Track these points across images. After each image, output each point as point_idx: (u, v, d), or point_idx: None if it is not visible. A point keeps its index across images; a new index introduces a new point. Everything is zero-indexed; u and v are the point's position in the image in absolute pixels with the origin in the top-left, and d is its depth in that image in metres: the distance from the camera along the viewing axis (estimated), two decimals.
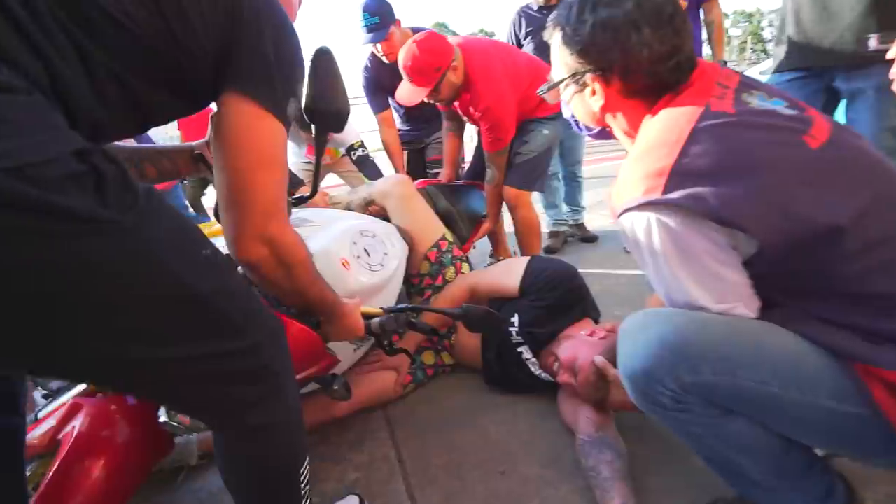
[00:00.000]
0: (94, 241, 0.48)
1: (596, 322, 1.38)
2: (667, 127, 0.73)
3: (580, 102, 0.86)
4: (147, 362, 0.56)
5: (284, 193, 0.70)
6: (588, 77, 0.80)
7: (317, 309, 0.87)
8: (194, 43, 0.60)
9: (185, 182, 3.57)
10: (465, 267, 1.66)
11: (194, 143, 0.93)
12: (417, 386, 1.49)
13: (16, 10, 0.47)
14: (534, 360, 1.33)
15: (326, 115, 0.83)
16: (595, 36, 0.77)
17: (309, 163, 2.61)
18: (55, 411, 1.03)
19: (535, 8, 2.40)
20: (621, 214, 0.73)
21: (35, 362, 0.54)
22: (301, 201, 0.96)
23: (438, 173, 2.25)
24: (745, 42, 38.39)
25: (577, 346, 1.22)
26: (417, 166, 2.55)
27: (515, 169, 1.95)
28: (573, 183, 2.73)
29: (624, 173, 0.74)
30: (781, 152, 0.68)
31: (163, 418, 0.99)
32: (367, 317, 1.01)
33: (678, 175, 0.67)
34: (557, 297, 1.33)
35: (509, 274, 1.44)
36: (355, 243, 1.22)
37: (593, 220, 2.91)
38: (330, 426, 1.34)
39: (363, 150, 2.27)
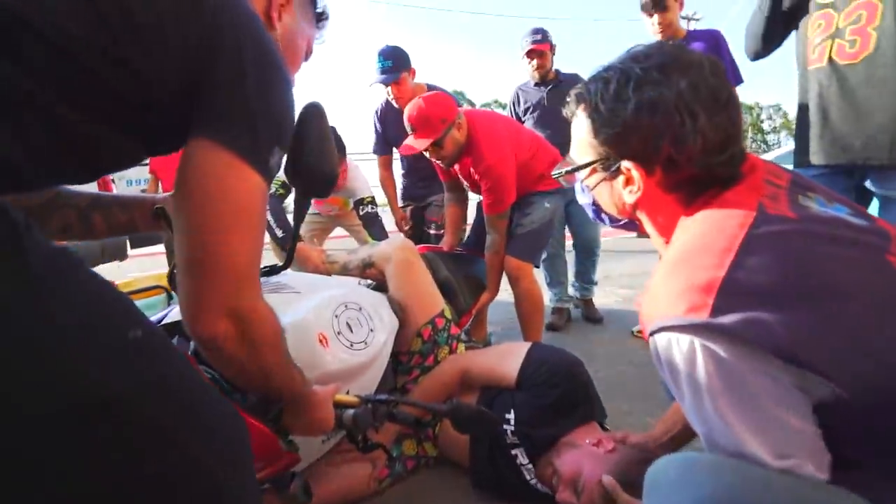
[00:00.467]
0: None
1: (602, 426, 1.21)
2: (712, 230, 0.61)
3: (608, 191, 0.74)
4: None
5: (258, 259, 0.58)
6: (624, 165, 0.69)
7: (281, 396, 0.73)
8: (152, 70, 0.49)
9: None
10: (461, 347, 1.51)
11: (158, 195, 0.82)
12: (395, 481, 1.30)
13: None
14: (530, 466, 1.15)
15: (310, 177, 0.73)
16: (640, 119, 0.65)
17: (317, 214, 2.55)
18: None
19: (532, 84, 2.48)
20: (655, 333, 0.60)
21: None
22: (273, 272, 0.84)
23: (440, 237, 2.17)
24: (745, 132, 40.16)
25: (581, 458, 1.05)
26: (417, 225, 2.50)
27: (517, 239, 1.90)
28: (589, 259, 2.62)
29: (659, 282, 0.62)
30: (862, 275, 0.56)
31: None
32: (340, 406, 0.87)
33: (730, 293, 0.54)
34: (560, 394, 1.18)
35: (507, 360, 1.29)
36: (337, 316, 1.09)
37: (599, 298, 2.78)
38: None
39: (372, 207, 2.20)
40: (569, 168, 0.78)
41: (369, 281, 1.54)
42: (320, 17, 0.80)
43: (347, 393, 1.08)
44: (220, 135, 0.52)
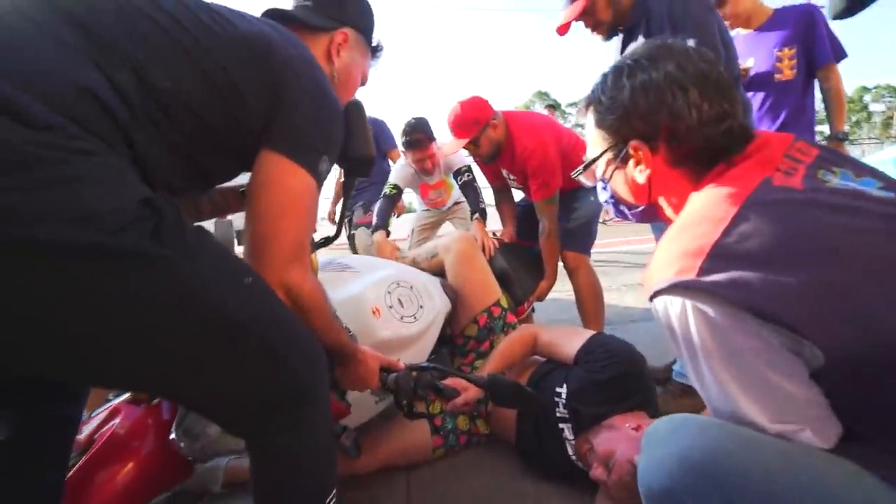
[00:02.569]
0: (146, 276, 0.54)
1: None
2: (712, 202, 0.63)
3: (622, 178, 0.77)
4: (187, 382, 0.62)
5: (307, 242, 0.75)
6: (631, 146, 0.72)
7: (331, 352, 0.87)
8: (248, 122, 0.69)
9: None
10: None
11: (243, 182, 1.02)
12: (448, 452, 1.39)
13: (111, 100, 0.57)
14: (574, 441, 1.17)
15: (354, 160, 0.88)
16: (636, 100, 0.70)
17: (427, 210, 2.82)
18: (103, 412, 1.13)
19: None
20: (653, 297, 0.63)
21: (88, 378, 0.62)
22: (327, 242, 1.00)
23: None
24: (890, 118, 34.00)
25: (618, 439, 1.05)
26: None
27: (570, 234, 1.94)
28: None
29: (659, 251, 0.65)
30: (858, 240, 0.55)
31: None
32: (387, 370, 0.99)
33: (718, 256, 0.56)
34: (613, 375, 1.17)
35: (570, 338, 1.32)
36: (390, 292, 1.22)
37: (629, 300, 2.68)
38: (345, 483, 1.29)
39: (468, 175, 2.32)
40: (584, 165, 0.82)
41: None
42: (376, 50, 0.98)
43: (398, 361, 1.22)
44: (280, 147, 0.70)
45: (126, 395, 1.17)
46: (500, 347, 1.39)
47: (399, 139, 2.30)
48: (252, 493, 0.74)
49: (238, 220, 0.84)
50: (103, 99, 0.55)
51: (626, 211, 0.83)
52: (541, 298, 2.00)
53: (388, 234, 2.21)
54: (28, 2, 0.57)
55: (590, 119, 0.78)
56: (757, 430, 0.57)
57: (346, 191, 0.96)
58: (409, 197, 3.07)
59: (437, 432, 1.36)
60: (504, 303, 1.58)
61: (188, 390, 0.64)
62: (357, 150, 0.86)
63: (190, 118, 0.64)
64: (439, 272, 1.64)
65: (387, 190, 2.41)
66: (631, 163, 0.74)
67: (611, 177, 0.78)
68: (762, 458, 0.55)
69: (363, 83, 0.98)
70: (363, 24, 0.93)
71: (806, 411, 0.56)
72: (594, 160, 0.79)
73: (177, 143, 0.64)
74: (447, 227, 2.91)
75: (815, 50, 1.82)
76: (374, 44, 0.96)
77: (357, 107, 0.88)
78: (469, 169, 2.33)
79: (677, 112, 0.67)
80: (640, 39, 1.44)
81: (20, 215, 0.46)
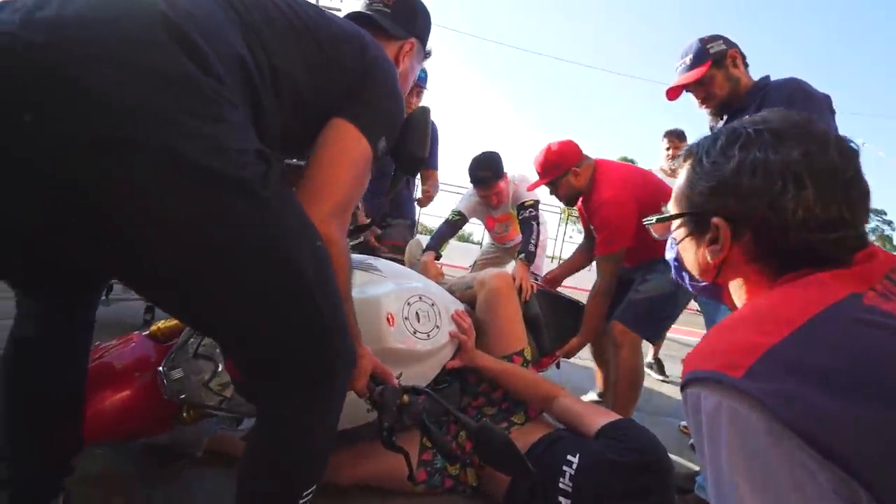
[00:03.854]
0: (249, 206, 0.61)
1: None
2: (785, 300, 0.54)
3: (693, 248, 0.69)
4: (241, 315, 0.65)
5: (350, 205, 0.81)
6: (713, 221, 0.63)
7: None
8: (333, 100, 0.80)
9: None
10: None
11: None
12: (429, 490, 1.29)
13: (253, 70, 0.69)
14: None
15: (409, 157, 0.95)
16: (740, 177, 0.61)
17: (492, 244, 2.83)
18: (121, 339, 1.17)
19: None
20: (687, 384, 0.53)
21: (150, 285, 0.66)
22: (358, 230, 1.01)
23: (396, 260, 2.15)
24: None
25: None
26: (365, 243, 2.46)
27: (629, 306, 1.78)
28: None
29: (710, 335, 0.56)
30: None
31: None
32: (377, 381, 0.92)
33: (775, 360, 0.46)
34: (635, 463, 1.04)
35: (596, 412, 1.21)
36: (409, 304, 1.19)
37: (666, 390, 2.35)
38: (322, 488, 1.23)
39: (531, 212, 2.19)
40: (658, 216, 0.74)
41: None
42: (426, 56, 1.11)
43: (399, 375, 1.16)
44: (352, 118, 0.80)
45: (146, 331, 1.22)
46: (517, 371, 1.30)
47: (467, 172, 2.30)
48: (241, 458, 0.74)
49: None
50: (249, 67, 0.67)
51: (687, 279, 0.73)
52: (569, 355, 1.87)
53: (437, 256, 2.18)
54: None
55: (683, 171, 0.71)
56: None
57: (393, 181, 1.02)
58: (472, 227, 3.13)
59: (423, 466, 1.27)
60: (528, 354, 1.48)
61: (238, 324, 0.67)
62: (415, 148, 0.95)
63: (293, 93, 0.75)
64: (471, 305, 1.59)
65: (450, 216, 2.41)
66: (707, 238, 0.65)
67: (681, 240, 0.70)
68: None
69: (412, 83, 1.10)
70: (425, 36, 1.06)
71: None
72: (668, 218, 0.71)
73: (284, 110, 0.75)
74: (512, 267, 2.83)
75: None
76: (427, 49, 1.09)
77: (425, 112, 0.98)
78: (535, 205, 2.23)
79: (780, 206, 0.58)
80: None
81: (189, 133, 0.56)
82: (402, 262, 2.12)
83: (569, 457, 1.09)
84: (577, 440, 1.16)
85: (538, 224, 2.17)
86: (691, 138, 2.72)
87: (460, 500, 1.30)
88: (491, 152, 2.26)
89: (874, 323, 0.47)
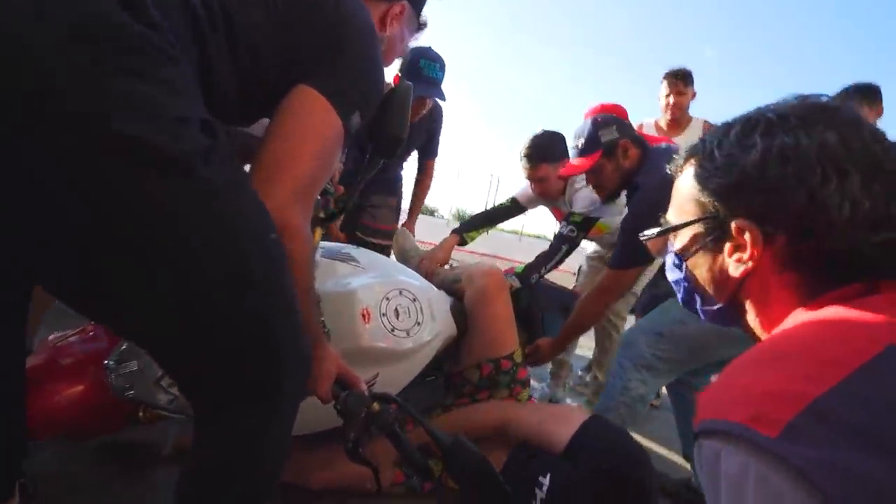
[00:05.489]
0: (185, 187, 0.52)
1: None
2: (832, 334, 0.44)
3: (708, 262, 0.57)
4: (170, 317, 0.56)
5: (318, 186, 0.71)
6: (735, 225, 0.52)
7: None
8: (301, 64, 0.70)
9: None
10: (524, 394, 1.38)
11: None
12: (406, 492, 1.22)
13: (202, 16, 0.59)
14: None
15: (385, 138, 0.85)
16: (766, 167, 0.50)
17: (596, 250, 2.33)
18: (80, 329, 1.10)
19: None
20: (702, 434, 0.43)
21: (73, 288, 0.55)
22: (331, 218, 0.92)
23: (382, 246, 2.01)
24: None
25: None
26: (349, 226, 2.15)
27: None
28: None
29: (735, 372, 0.45)
30: None
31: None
32: (342, 385, 0.82)
33: (819, 416, 0.37)
34: (608, 478, 0.97)
35: (559, 424, 1.13)
36: (388, 299, 1.10)
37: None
38: (296, 492, 1.17)
39: (571, 231, 1.75)
40: (661, 229, 0.62)
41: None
42: (420, 27, 0.98)
43: (376, 376, 1.09)
44: (321, 86, 0.69)
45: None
46: (459, 419, 1.21)
47: None
48: (179, 477, 0.65)
49: None
50: (196, 11, 0.58)
51: (699, 303, 0.62)
52: (534, 361, 1.61)
53: (463, 242, 1.88)
54: None
55: (687, 175, 0.59)
56: None
57: (368, 166, 0.90)
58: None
59: (400, 467, 1.21)
60: (518, 357, 1.39)
61: (166, 333, 0.57)
62: (393, 129, 0.84)
63: (250, 48, 0.66)
64: (460, 300, 1.50)
65: (506, 201, 2.07)
66: (727, 247, 0.54)
67: (692, 254, 0.58)
68: None
69: (401, 55, 0.99)
70: (419, 1, 0.93)
71: None
72: (676, 227, 0.59)
73: (240, 69, 0.66)
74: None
75: None
76: (422, 20, 0.96)
77: (406, 89, 0.87)
78: (582, 224, 1.76)
79: (823, 199, 0.47)
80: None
81: (126, 101, 0.47)
82: (388, 252, 2.00)
83: (540, 478, 1.02)
84: (546, 458, 1.08)
85: (570, 248, 1.75)
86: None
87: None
88: (551, 132, 1.89)
89: None
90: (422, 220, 2.59)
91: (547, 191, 1.88)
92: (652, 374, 1.42)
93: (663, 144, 1.53)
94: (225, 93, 0.66)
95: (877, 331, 0.41)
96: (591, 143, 1.42)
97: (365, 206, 2.20)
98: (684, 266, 0.60)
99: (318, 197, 0.88)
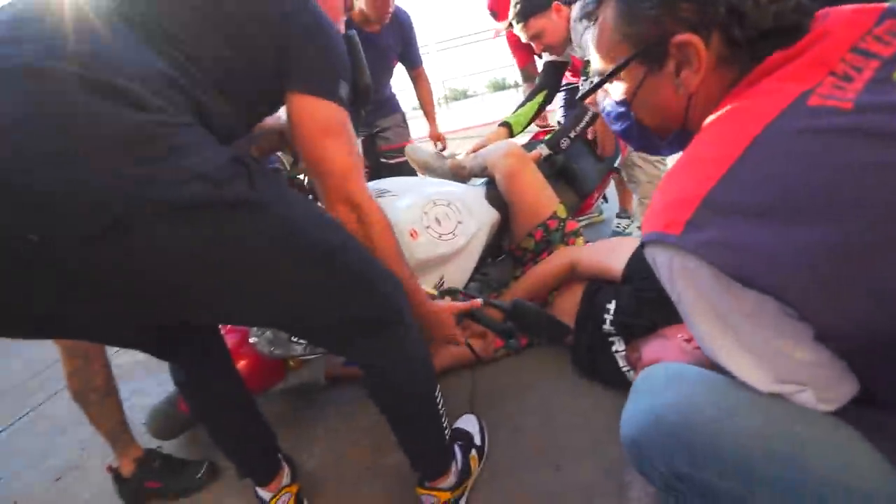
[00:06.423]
0: (252, 217, 0.64)
1: None
2: (723, 132, 0.50)
3: (656, 89, 0.59)
4: (295, 309, 0.73)
5: (354, 159, 0.81)
6: (675, 42, 0.54)
7: None
8: (268, 66, 0.75)
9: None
10: (580, 241, 1.48)
11: (280, 125, 1.06)
12: (509, 353, 1.45)
13: (180, 78, 0.65)
14: (624, 352, 1.13)
15: (355, 91, 0.89)
16: None
17: None
18: None
19: None
20: (643, 245, 0.53)
21: (212, 311, 0.71)
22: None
23: (398, 165, 2.00)
24: None
25: (667, 348, 0.99)
26: (371, 157, 2.24)
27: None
28: None
29: (657, 190, 0.53)
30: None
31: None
32: (464, 314, 1.00)
33: (708, 209, 0.45)
34: (662, 292, 1.07)
35: (614, 255, 1.23)
36: (426, 213, 1.22)
37: None
38: None
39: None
40: (601, 79, 0.62)
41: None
42: None
43: (442, 278, 1.25)
44: (301, 87, 0.76)
45: None
46: (535, 272, 1.34)
47: None
48: (371, 394, 0.86)
49: None
50: (175, 78, 0.64)
51: (656, 139, 0.65)
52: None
53: (512, 134, 1.82)
54: (102, 10, 0.64)
55: (606, 18, 0.60)
56: (752, 391, 0.50)
57: (354, 124, 0.96)
58: None
59: (496, 336, 1.41)
60: (561, 213, 1.47)
61: (296, 317, 0.75)
62: (360, 80, 0.88)
63: (224, 73, 0.71)
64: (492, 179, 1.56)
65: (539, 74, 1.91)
66: (670, 69, 0.56)
67: (635, 92, 0.60)
68: (746, 423, 0.49)
69: (348, 7, 0.97)
70: None
71: (809, 371, 0.47)
72: (616, 70, 0.60)
73: (227, 95, 0.72)
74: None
75: None
76: None
77: (353, 40, 0.89)
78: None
79: None
80: None
81: (160, 181, 0.56)
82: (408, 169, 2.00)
83: (608, 305, 1.17)
84: (611, 288, 1.20)
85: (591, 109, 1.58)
86: None
87: (537, 353, 1.45)
88: None
89: (810, 130, 0.43)
90: (455, 106, 2.56)
91: (550, 45, 1.71)
92: None
93: None
94: (229, 124, 0.73)
95: (757, 116, 0.46)
96: None
97: (376, 135, 2.26)
98: (629, 109, 0.63)
99: None
